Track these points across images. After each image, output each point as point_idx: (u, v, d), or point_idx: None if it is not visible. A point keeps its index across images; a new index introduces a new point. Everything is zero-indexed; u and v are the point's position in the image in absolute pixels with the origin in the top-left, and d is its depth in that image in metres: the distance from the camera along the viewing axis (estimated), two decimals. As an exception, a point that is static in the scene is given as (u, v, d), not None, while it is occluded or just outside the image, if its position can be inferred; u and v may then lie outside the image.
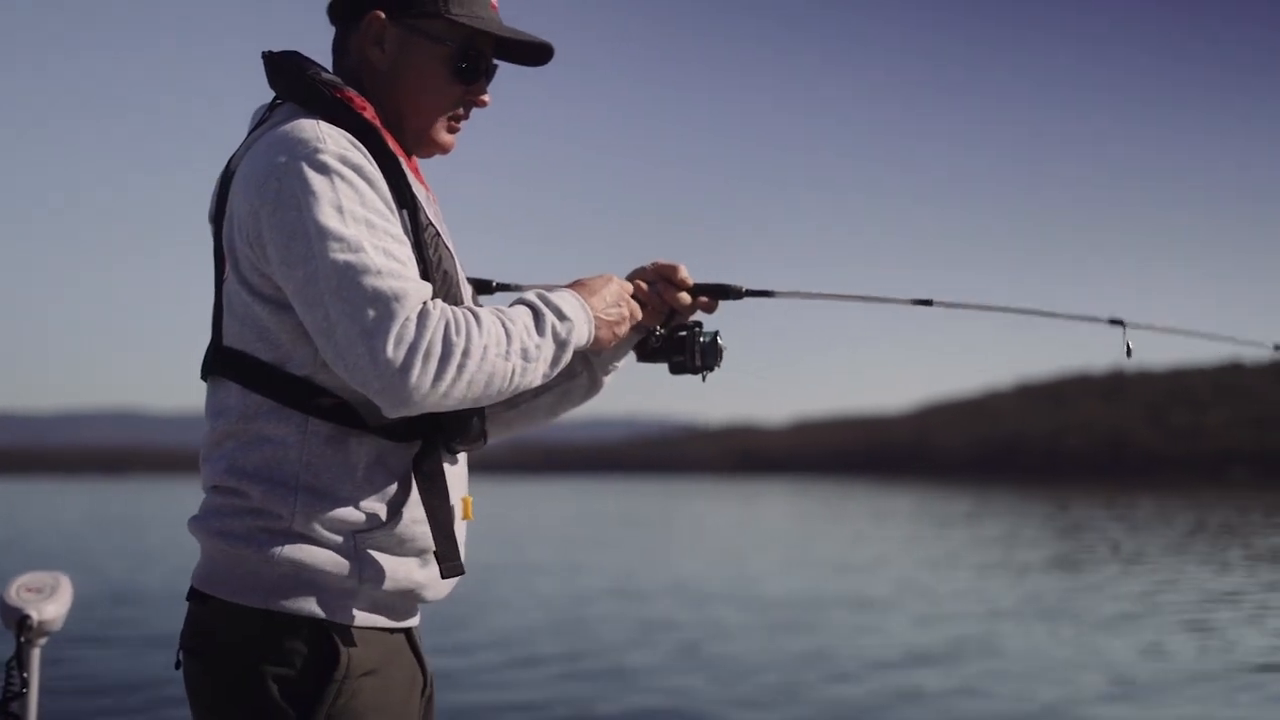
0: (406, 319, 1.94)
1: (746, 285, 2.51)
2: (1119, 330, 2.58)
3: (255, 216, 2.02)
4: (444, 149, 2.29)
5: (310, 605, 2.05)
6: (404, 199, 2.11)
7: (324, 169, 2.00)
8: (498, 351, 2.01)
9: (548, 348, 2.10)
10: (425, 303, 1.98)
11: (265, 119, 2.17)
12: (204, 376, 2.18)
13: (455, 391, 1.97)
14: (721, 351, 2.49)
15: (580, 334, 2.17)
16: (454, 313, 1.99)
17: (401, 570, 2.12)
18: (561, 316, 2.14)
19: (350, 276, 1.94)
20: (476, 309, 2.05)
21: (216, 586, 2.09)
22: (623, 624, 14.09)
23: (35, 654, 3.17)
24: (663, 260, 2.45)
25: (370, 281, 1.94)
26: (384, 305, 1.93)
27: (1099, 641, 12.51)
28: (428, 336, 1.94)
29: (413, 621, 2.23)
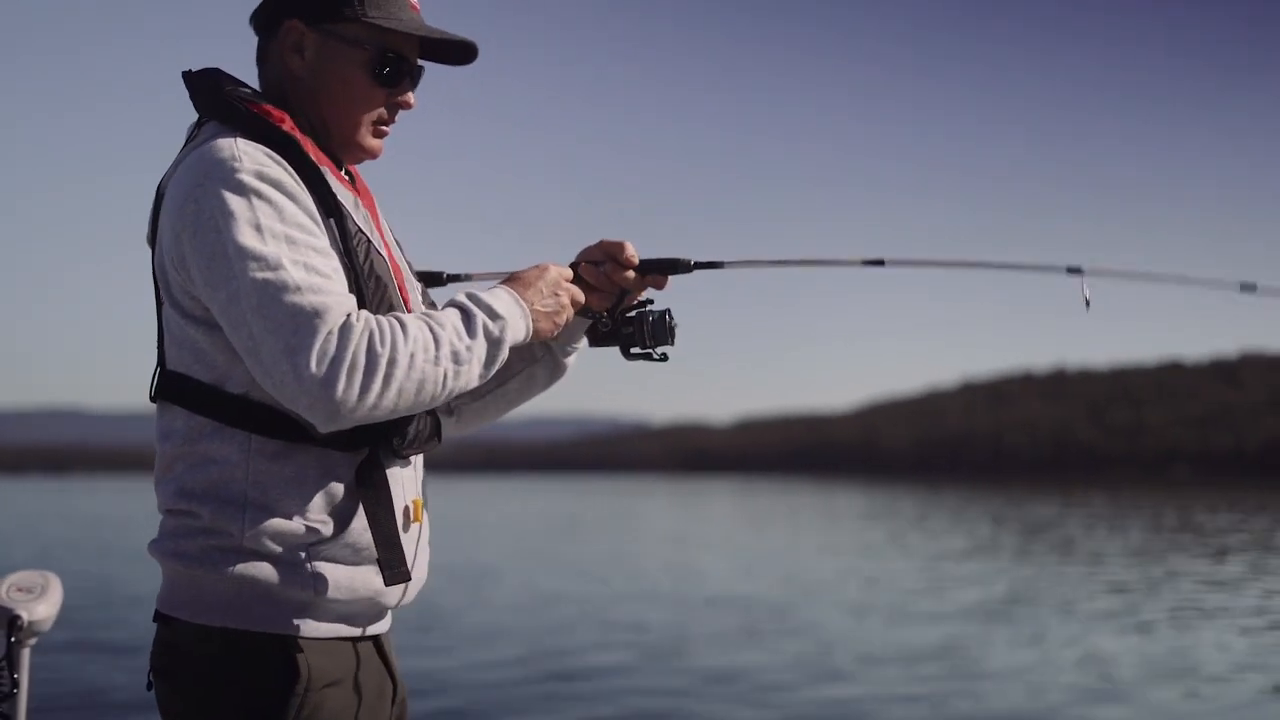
0: (329, 333, 1.94)
1: (695, 258, 2.43)
2: (1078, 279, 2.42)
3: (178, 240, 2.04)
4: (371, 154, 2.28)
5: (268, 621, 2.07)
6: (329, 208, 2.10)
7: (240, 188, 2.01)
8: (426, 358, 2.01)
9: (480, 348, 2.09)
10: (349, 315, 1.98)
11: (192, 137, 2.18)
12: (152, 400, 2.18)
13: (385, 402, 1.97)
14: (673, 330, 2.42)
15: (516, 330, 2.16)
16: (378, 322, 1.99)
17: (358, 579, 2.13)
18: (494, 315, 2.12)
19: (270, 294, 1.95)
20: (403, 316, 2.04)
21: (177, 608, 2.12)
22: (580, 626, 14.04)
23: (25, 654, 3.13)
24: (609, 238, 2.41)
25: (290, 298, 1.95)
26: (305, 321, 1.94)
27: (1069, 641, 12.56)
28: (350, 349, 1.94)
29: (380, 628, 2.24)
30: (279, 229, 2.00)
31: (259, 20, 2.26)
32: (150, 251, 2.18)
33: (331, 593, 2.09)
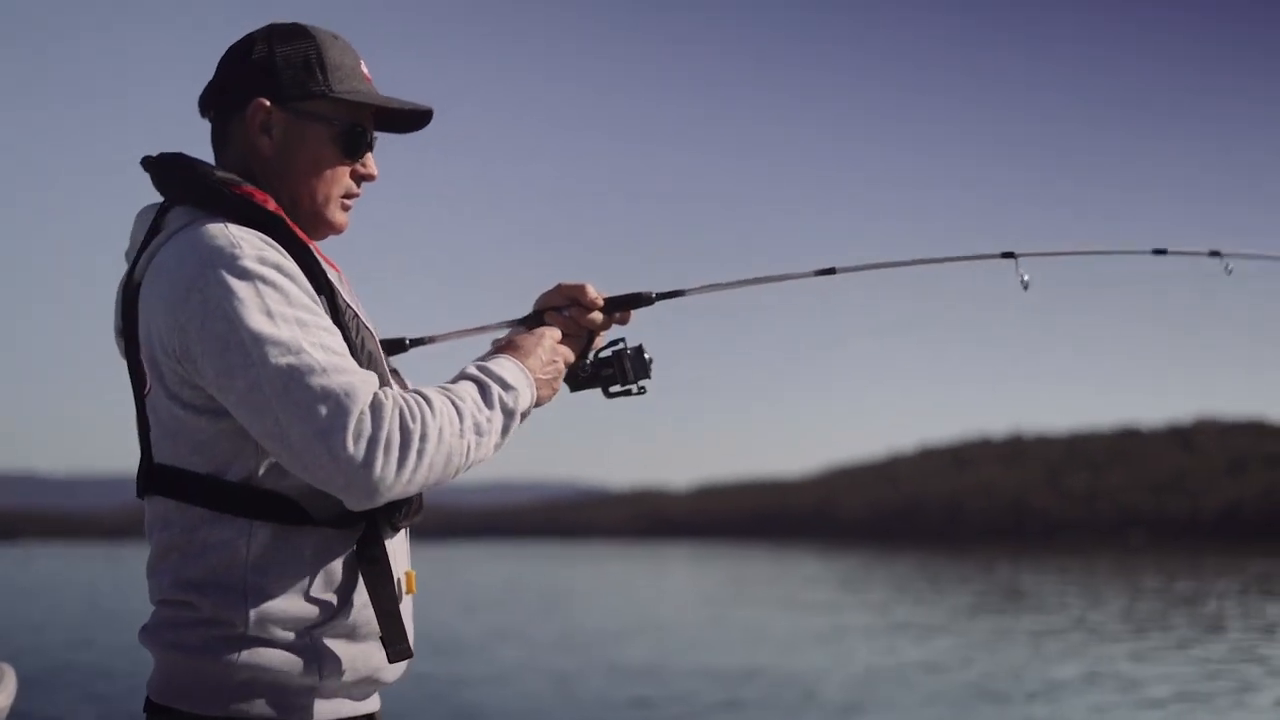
0: (361, 413, 1.94)
1: (656, 290, 2.47)
2: (1011, 264, 2.55)
3: (181, 332, 2.01)
4: (338, 229, 2.27)
5: (272, 707, 2.06)
6: (320, 285, 2.10)
7: (245, 274, 1.99)
8: (452, 431, 2.03)
9: (497, 419, 2.12)
10: (376, 393, 1.99)
11: (159, 225, 2.14)
12: (140, 495, 2.16)
13: (418, 477, 1.99)
14: (650, 362, 2.46)
15: (525, 399, 2.19)
16: (406, 399, 2.00)
17: (361, 657, 2.13)
18: (506, 386, 2.15)
19: (296, 379, 1.94)
20: (426, 390, 2.06)
21: (177, 699, 2.09)
22: (562, 700, 14.04)
23: None
24: (567, 281, 2.42)
25: (317, 381, 1.94)
26: (335, 403, 1.93)
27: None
28: (385, 428, 1.95)
29: (373, 706, 2.25)
30: (289, 313, 1.99)
31: (216, 101, 2.22)
32: (120, 344, 2.17)
33: (337, 674, 2.09)
